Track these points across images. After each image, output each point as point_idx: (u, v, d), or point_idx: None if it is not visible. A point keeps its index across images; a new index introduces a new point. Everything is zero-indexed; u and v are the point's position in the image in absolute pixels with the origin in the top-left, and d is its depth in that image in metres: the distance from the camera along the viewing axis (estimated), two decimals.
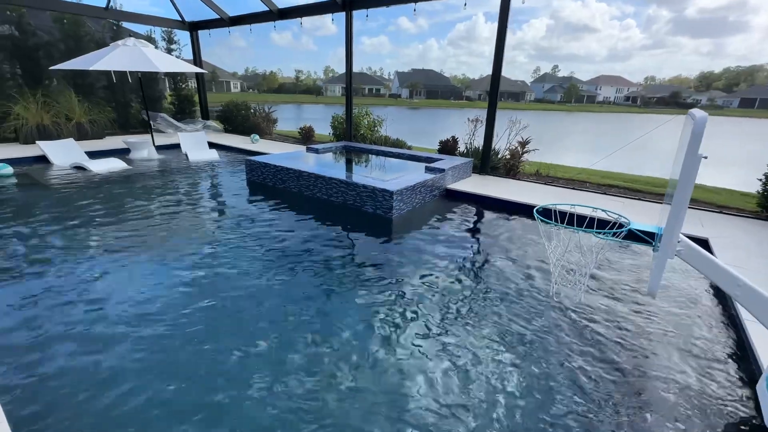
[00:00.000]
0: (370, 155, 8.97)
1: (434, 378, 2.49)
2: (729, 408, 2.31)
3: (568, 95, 71.77)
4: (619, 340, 2.88)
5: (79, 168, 7.89)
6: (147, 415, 2.16)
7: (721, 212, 5.62)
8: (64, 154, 8.31)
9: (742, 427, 2.19)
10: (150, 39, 12.81)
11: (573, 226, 2.53)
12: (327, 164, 7.92)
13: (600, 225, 2.79)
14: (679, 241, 1.98)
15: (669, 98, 64.60)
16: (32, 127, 9.44)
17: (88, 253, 4.16)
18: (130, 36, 8.87)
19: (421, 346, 2.80)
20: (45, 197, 6.10)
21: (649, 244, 2.23)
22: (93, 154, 8.73)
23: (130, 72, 9.26)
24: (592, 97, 74.35)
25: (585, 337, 2.91)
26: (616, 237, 2.30)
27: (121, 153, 9.31)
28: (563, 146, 18.95)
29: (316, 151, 8.63)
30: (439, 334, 2.93)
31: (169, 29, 13.01)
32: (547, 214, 2.66)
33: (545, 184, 7.22)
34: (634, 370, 2.59)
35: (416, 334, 2.94)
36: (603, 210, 2.53)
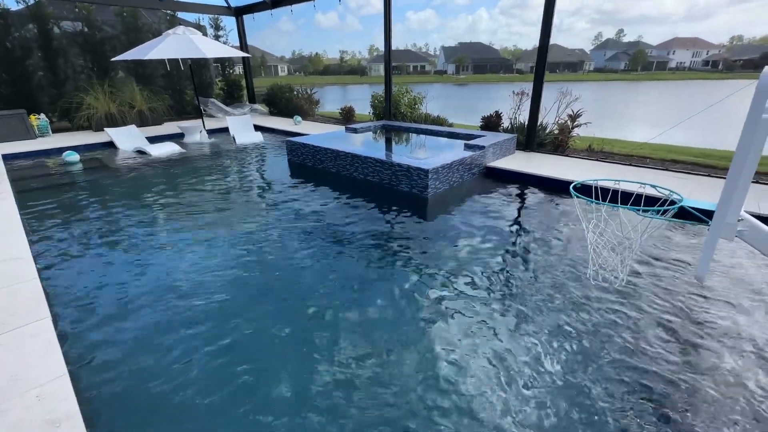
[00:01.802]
0: (408, 134, 8.80)
1: (465, 358, 2.45)
2: None
3: (634, 62, 64.78)
4: (664, 319, 2.62)
5: (141, 152, 8.58)
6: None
7: None
8: (127, 139, 9.08)
9: None
10: (200, 27, 13.38)
11: (617, 203, 2.30)
12: (364, 144, 7.90)
13: (649, 203, 2.50)
14: (740, 220, 1.71)
15: (760, 60, 55.87)
16: (102, 116, 10.38)
17: (150, 227, 4.57)
18: (180, 24, 9.31)
19: (453, 324, 2.75)
20: (111, 177, 6.75)
21: (706, 224, 1.95)
22: (152, 139, 9.44)
23: (182, 60, 9.77)
24: (663, 63, 66.53)
25: (624, 322, 2.68)
26: (665, 215, 2.05)
27: (177, 137, 9.98)
28: (625, 119, 17.28)
29: (355, 130, 8.62)
30: (472, 313, 2.86)
31: (217, 16, 13.47)
32: (586, 190, 2.43)
33: (598, 160, 6.65)
34: (680, 359, 2.35)
35: (448, 311, 2.89)
36: (652, 185, 2.26)
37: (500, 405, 2.11)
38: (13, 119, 9.08)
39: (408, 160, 5.69)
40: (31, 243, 3.91)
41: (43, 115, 9.82)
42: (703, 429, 1.94)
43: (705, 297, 2.92)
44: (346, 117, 11.99)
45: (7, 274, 3.18)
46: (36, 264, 3.38)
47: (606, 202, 2.26)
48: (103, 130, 9.54)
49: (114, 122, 10.36)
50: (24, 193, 5.78)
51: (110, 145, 9.12)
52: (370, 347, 2.56)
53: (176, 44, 8.44)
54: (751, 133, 1.26)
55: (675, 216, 2.19)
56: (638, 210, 2.11)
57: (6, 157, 7.73)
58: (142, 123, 11.00)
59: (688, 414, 2.02)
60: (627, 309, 2.84)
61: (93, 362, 2.47)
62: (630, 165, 6.28)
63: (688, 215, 2.15)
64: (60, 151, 8.17)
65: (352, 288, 3.27)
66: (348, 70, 72.95)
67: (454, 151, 6.21)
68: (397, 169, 5.60)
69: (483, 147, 6.23)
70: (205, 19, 13.73)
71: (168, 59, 9.23)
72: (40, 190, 6.04)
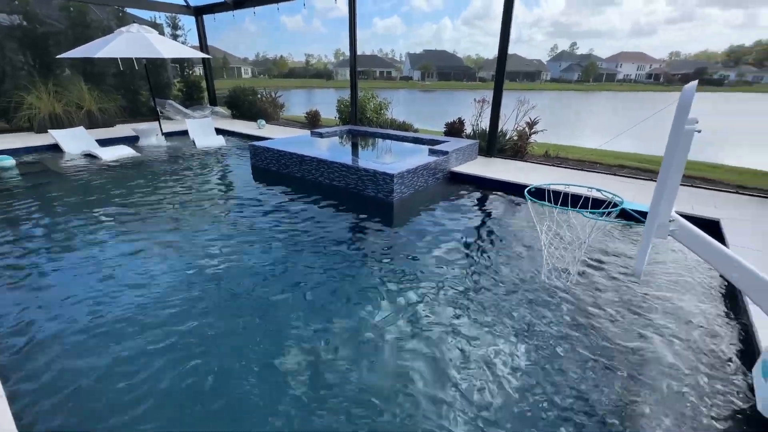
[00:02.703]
0: (374, 138, 8.87)
1: (425, 357, 2.49)
2: (725, 393, 2.24)
3: (587, 74, 69.06)
4: (608, 314, 2.82)
5: (90, 156, 8.06)
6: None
7: (738, 193, 5.38)
8: (74, 142, 8.49)
9: (735, 415, 2.12)
10: (155, 25, 12.81)
11: (567, 206, 2.45)
12: (330, 148, 7.87)
13: (596, 205, 2.69)
14: (672, 220, 1.89)
15: (694, 75, 61.37)
16: (45, 117, 9.64)
17: (96, 238, 4.27)
18: (134, 22, 8.87)
19: (414, 325, 2.79)
20: (55, 184, 6.27)
21: (643, 224, 2.13)
22: (103, 142, 8.89)
23: (136, 59, 9.29)
24: (612, 75, 71.37)
25: (574, 317, 2.85)
26: (609, 216, 2.22)
27: (131, 140, 9.46)
28: (578, 127, 18.37)
29: (320, 135, 8.58)
30: (432, 314, 2.92)
31: (174, 14, 12.95)
32: (541, 194, 2.58)
33: (553, 165, 7.03)
34: (622, 346, 2.54)
35: (410, 313, 2.93)
36: (598, 189, 2.44)
37: (460, 396, 2.18)
38: None
39: (374, 164, 5.74)
40: None
41: None
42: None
43: (644, 292, 3.17)
44: (312, 121, 11.89)
45: None
46: None
47: (558, 205, 2.40)
48: (46, 132, 8.87)
49: (59, 123, 9.65)
50: None
51: (55, 148, 8.49)
52: (330, 351, 2.56)
53: (130, 43, 8.03)
54: (674, 143, 1.41)
55: (618, 217, 2.37)
56: (585, 212, 2.26)
57: None
58: (91, 125, 10.32)
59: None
60: (577, 302, 3.02)
61: (34, 385, 2.29)
62: (582, 170, 6.68)
63: (630, 216, 2.33)
64: None
65: (317, 293, 3.24)
66: (314, 74, 72.27)
67: (418, 156, 6.33)
68: (363, 173, 5.63)
69: (447, 152, 6.40)
70: (161, 18, 13.16)
71: (121, 58, 8.74)
72: None
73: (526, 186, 5.56)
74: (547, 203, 2.37)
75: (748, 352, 2.53)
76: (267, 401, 2.19)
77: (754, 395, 2.11)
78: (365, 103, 10.17)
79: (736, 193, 5.37)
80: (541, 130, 7.64)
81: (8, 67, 9.95)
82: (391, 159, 6.85)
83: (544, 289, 3.21)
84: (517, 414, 2.11)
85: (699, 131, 1.63)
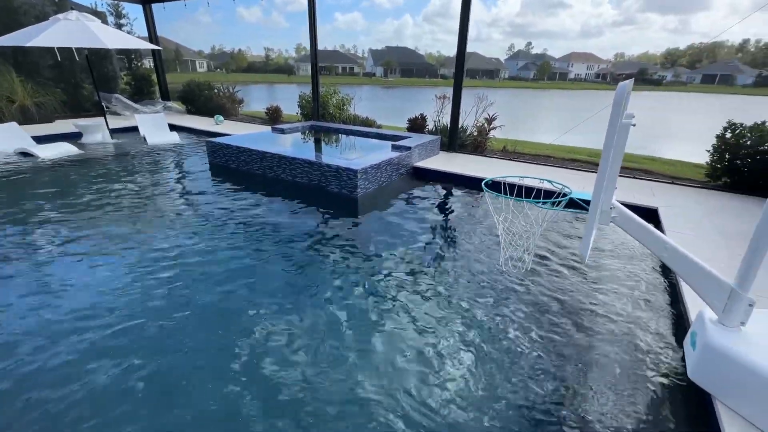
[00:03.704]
0: (337, 134, 8.80)
1: (390, 351, 2.54)
2: (660, 361, 2.47)
3: (541, 72, 72.33)
4: (560, 298, 3.01)
5: (26, 154, 7.38)
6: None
7: (673, 183, 5.88)
8: (6, 139, 7.72)
9: (669, 380, 2.35)
10: (97, 13, 11.90)
11: (522, 197, 2.59)
12: (292, 144, 7.72)
13: (548, 196, 2.85)
14: (612, 208, 2.05)
15: (636, 75, 66.08)
16: None
17: (36, 246, 3.94)
18: (73, 9, 8.20)
19: (380, 320, 2.83)
20: None
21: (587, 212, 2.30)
22: (41, 139, 8.16)
23: (76, 49, 8.59)
24: (564, 74, 75.22)
25: (531, 300, 3.02)
26: (558, 206, 2.37)
27: (74, 137, 8.76)
28: (534, 123, 19.22)
29: (282, 131, 8.39)
30: (398, 307, 2.97)
31: (117, 2, 12.09)
32: (498, 187, 2.70)
33: (511, 160, 7.32)
34: (572, 326, 2.73)
35: (378, 307, 2.97)
36: (549, 181, 2.59)
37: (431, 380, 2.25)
38: None
39: (337, 160, 5.71)
40: None
41: None
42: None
43: (590, 275, 3.42)
44: (273, 117, 11.60)
45: None
46: None
47: (513, 197, 2.52)
48: None
49: None
50: None
51: None
52: (295, 351, 2.54)
53: (68, 31, 7.41)
54: (611, 136, 1.54)
55: (567, 206, 2.53)
56: (538, 202, 2.40)
57: None
58: (26, 120, 9.45)
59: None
60: (532, 287, 3.20)
61: None
62: (537, 164, 7.02)
63: (579, 206, 2.50)
64: None
65: (280, 293, 3.20)
66: (274, 69, 70.21)
67: (382, 152, 6.37)
68: (326, 169, 5.58)
69: (409, 148, 6.49)
70: (103, 5, 12.25)
71: (58, 48, 8.04)
72: None
73: (484, 179, 5.82)
74: (503, 195, 2.49)
75: (681, 324, 2.80)
76: (219, 398, 2.15)
77: (684, 363, 2.34)
78: (328, 99, 10.06)
79: (672, 183, 5.87)
80: (500, 126, 7.92)
81: None
82: (355, 155, 6.83)
83: (501, 275, 3.37)
84: (472, 400, 2.21)
85: (634, 125, 1.79)
